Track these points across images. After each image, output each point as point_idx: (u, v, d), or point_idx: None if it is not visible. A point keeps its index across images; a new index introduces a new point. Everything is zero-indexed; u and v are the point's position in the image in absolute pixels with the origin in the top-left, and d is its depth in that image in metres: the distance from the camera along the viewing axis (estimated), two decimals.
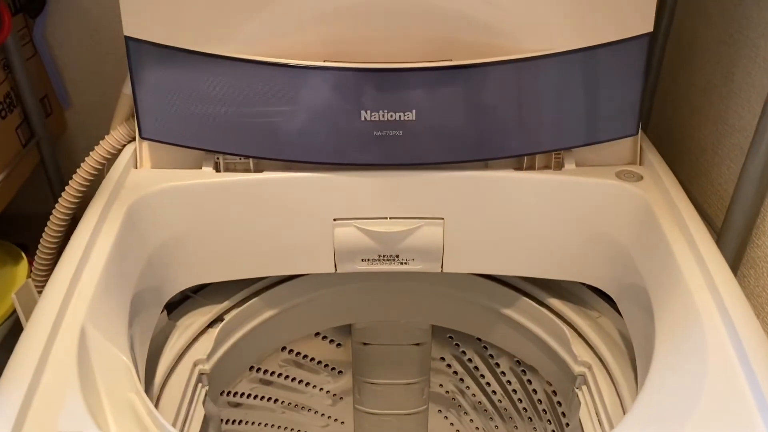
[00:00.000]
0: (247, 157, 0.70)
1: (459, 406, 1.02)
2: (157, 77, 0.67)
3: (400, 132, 0.66)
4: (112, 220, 0.64)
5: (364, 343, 0.96)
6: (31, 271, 0.81)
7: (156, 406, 0.63)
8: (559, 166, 0.71)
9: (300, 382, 0.97)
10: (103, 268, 0.59)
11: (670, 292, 0.59)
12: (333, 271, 0.76)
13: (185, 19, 0.65)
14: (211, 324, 0.78)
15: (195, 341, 0.76)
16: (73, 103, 1.01)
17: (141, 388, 0.51)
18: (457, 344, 0.96)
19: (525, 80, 0.66)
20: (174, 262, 0.72)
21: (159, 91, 0.68)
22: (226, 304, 0.80)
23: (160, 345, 0.73)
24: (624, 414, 0.66)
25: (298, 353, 0.94)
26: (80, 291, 0.56)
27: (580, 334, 0.77)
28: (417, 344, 0.96)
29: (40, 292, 0.76)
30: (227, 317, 0.79)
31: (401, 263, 0.76)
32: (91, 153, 0.74)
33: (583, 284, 0.78)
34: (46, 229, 0.75)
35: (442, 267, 0.75)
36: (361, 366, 0.99)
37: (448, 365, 0.99)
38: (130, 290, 0.63)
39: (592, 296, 0.79)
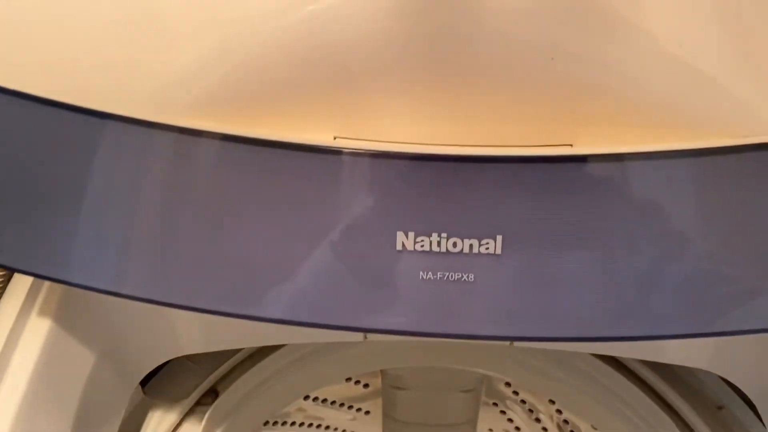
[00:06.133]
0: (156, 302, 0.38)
1: None
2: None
3: (471, 276, 0.35)
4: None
5: (398, 387, 0.78)
6: None
7: None
8: None
9: (319, 426, 0.80)
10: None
11: None
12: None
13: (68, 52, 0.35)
14: (202, 399, 0.60)
15: (179, 427, 0.58)
16: None
17: None
18: (515, 392, 0.77)
19: (723, 190, 0.34)
20: (146, 335, 0.53)
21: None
22: (221, 371, 0.61)
23: None
24: None
25: (316, 398, 0.76)
26: None
27: None
28: (465, 391, 0.77)
29: None
30: (222, 390, 0.60)
31: None
32: None
33: None
34: None
35: None
36: (393, 408, 0.81)
37: (502, 411, 0.81)
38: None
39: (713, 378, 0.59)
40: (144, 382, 0.57)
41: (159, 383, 0.59)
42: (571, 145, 0.34)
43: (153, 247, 0.37)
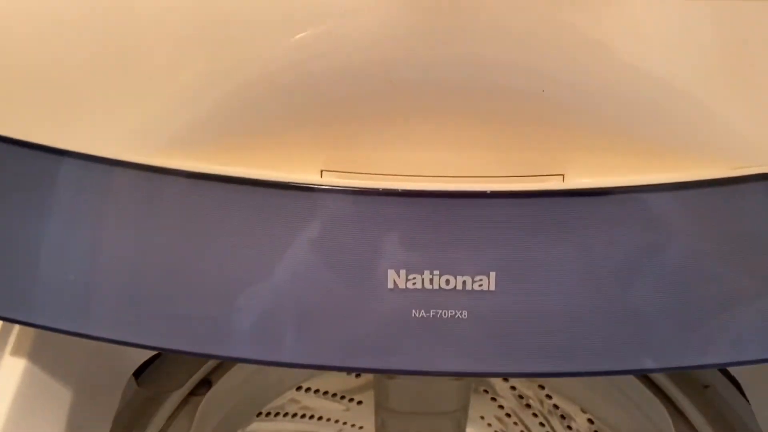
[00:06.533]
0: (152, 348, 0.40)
1: None
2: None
3: (465, 313, 0.34)
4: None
5: (389, 376, 0.78)
6: None
7: None
8: None
9: (312, 417, 0.81)
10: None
11: None
12: None
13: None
14: (196, 390, 0.60)
15: (173, 418, 0.58)
16: None
17: None
18: (505, 378, 0.78)
19: (721, 222, 0.34)
20: None
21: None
22: (214, 361, 0.61)
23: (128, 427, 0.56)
24: None
25: (309, 389, 0.77)
26: None
27: (682, 414, 0.58)
28: (456, 379, 0.78)
29: None
30: (216, 380, 0.60)
31: None
32: None
33: None
34: None
35: None
36: (385, 398, 0.81)
37: (493, 398, 0.82)
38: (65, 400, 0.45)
39: None
40: (137, 374, 0.57)
41: (152, 374, 0.60)
42: (562, 176, 0.33)
43: (124, 288, 0.35)
